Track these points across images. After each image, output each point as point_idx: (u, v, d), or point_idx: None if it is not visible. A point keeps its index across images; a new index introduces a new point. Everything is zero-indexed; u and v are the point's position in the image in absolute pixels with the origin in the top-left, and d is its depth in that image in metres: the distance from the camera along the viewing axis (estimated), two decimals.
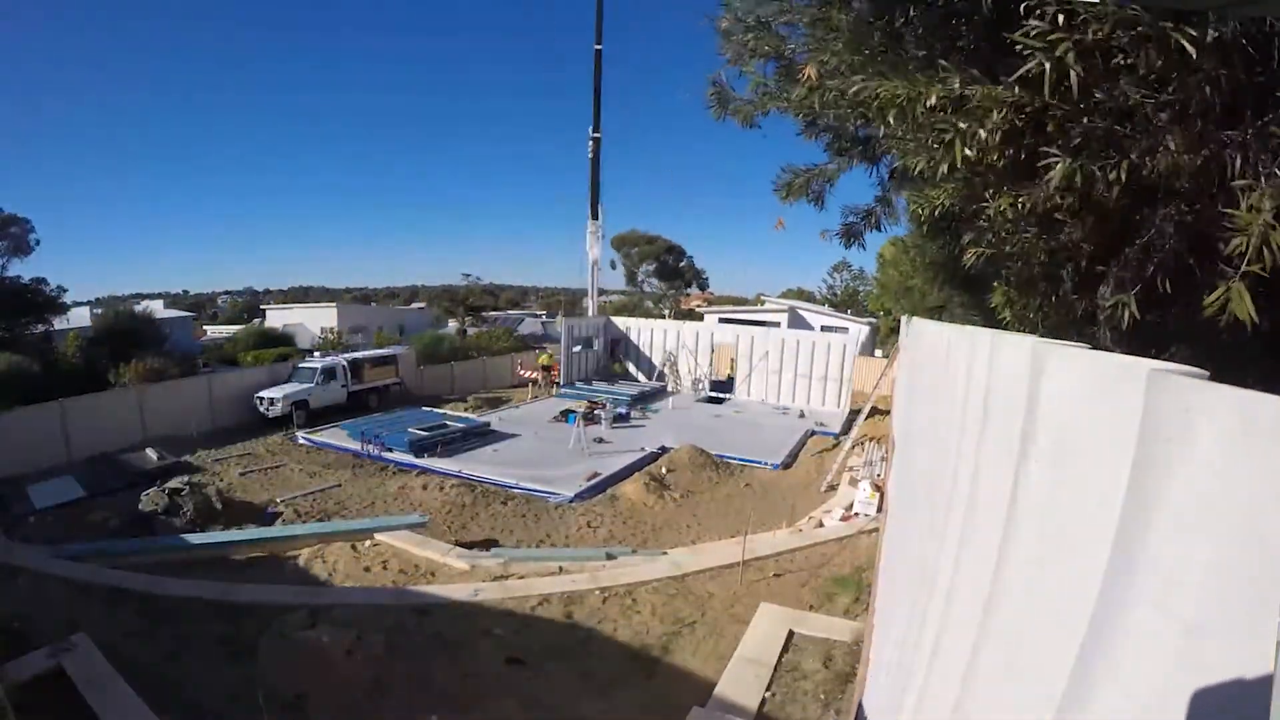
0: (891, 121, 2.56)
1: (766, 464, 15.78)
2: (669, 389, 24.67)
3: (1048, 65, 2.02)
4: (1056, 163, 2.29)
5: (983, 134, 2.43)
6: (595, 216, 28.50)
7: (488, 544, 10.89)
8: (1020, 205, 2.78)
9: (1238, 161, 1.97)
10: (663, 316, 39.72)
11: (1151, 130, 2.21)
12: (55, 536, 11.02)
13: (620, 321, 28.27)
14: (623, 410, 20.41)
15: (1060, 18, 1.97)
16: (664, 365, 26.21)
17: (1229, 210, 1.95)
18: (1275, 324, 2.10)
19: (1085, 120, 2.29)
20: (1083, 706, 0.98)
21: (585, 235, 28.56)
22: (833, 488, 13.96)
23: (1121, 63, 2.09)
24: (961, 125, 2.48)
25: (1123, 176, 2.15)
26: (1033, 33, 2.04)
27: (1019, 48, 2.14)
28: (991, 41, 2.50)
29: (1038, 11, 2.03)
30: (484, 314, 49.64)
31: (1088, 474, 1.25)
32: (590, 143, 28.18)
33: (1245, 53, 1.99)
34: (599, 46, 28.00)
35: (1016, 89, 2.39)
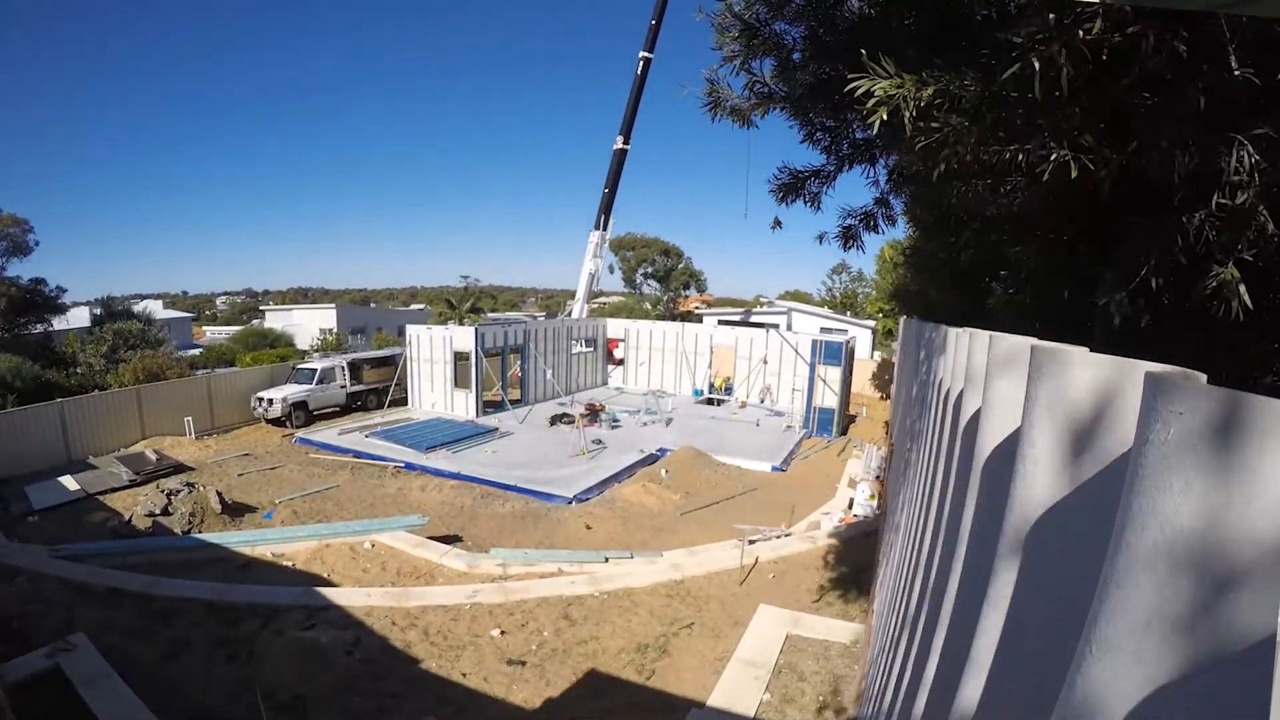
0: (886, 117, 2.57)
1: (765, 465, 15.80)
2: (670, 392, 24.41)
3: (1038, 65, 2.03)
4: (1053, 156, 2.30)
5: (975, 133, 2.45)
6: (600, 227, 26.17)
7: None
8: (1014, 205, 2.80)
9: (1231, 161, 1.99)
10: (661, 318, 39.46)
11: (1145, 129, 2.22)
12: (54, 536, 11.01)
13: (616, 324, 27.47)
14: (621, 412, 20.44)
15: (1052, 17, 1.98)
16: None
17: (1225, 202, 1.96)
18: (1266, 309, 2.11)
19: (1076, 118, 2.31)
20: (1080, 706, 0.99)
21: (588, 244, 26.26)
22: (831, 488, 13.99)
23: (1115, 62, 2.11)
24: (954, 123, 2.49)
25: (1115, 173, 2.16)
26: (1024, 33, 2.05)
27: (1013, 46, 2.15)
28: (986, 40, 2.51)
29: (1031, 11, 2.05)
30: (483, 314, 49.57)
31: (1085, 475, 1.26)
32: (615, 154, 25.85)
33: (1244, 54, 2.00)
34: (649, 55, 24.78)
35: (1008, 88, 2.41)
